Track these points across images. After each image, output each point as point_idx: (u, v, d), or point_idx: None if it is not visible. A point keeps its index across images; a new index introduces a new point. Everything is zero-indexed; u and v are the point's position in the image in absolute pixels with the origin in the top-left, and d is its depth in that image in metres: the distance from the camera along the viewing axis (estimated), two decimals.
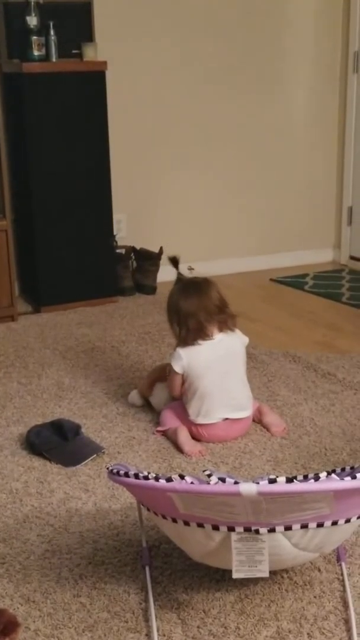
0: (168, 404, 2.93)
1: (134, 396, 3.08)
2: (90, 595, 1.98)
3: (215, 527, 1.76)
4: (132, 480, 1.77)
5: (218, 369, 2.74)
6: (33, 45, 3.97)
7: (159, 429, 2.83)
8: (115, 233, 4.43)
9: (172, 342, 3.70)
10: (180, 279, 2.85)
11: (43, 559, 2.13)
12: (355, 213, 5.11)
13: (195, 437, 2.78)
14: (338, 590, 1.99)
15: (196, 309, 2.71)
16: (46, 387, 3.26)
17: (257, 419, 2.90)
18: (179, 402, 2.87)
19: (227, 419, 2.76)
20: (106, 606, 1.94)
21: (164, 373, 2.95)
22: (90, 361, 3.53)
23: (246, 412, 2.80)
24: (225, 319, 2.77)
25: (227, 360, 2.76)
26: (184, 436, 2.73)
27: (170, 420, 2.82)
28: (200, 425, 2.77)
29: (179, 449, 2.71)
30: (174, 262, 2.87)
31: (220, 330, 2.76)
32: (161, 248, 4.57)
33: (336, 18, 4.95)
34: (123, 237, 4.62)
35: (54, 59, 4.04)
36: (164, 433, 2.82)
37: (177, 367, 2.75)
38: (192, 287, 2.77)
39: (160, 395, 2.97)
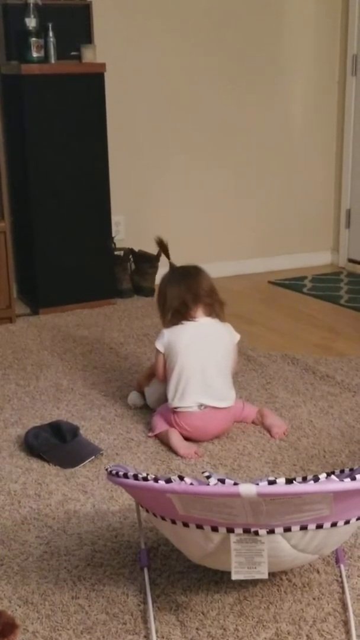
0: (159, 402, 2.94)
1: (134, 397, 3.07)
2: (89, 597, 1.97)
3: (215, 529, 1.75)
4: (131, 481, 1.77)
5: (197, 350, 2.73)
6: (32, 47, 3.97)
7: (151, 434, 2.83)
8: (113, 235, 4.43)
9: None
10: (172, 266, 2.90)
11: (41, 560, 2.12)
12: (353, 216, 5.12)
13: (180, 431, 2.75)
14: (337, 592, 1.98)
15: (183, 291, 2.75)
16: (44, 388, 3.26)
17: (259, 422, 2.90)
18: (164, 405, 2.85)
19: (203, 405, 2.73)
20: (104, 608, 1.93)
21: (144, 377, 3.01)
22: (88, 363, 3.53)
23: (225, 403, 2.76)
24: (212, 302, 2.78)
25: (208, 344, 2.75)
26: (175, 439, 2.72)
27: (160, 423, 2.81)
28: (177, 412, 2.74)
29: (173, 452, 2.71)
30: (163, 246, 2.91)
31: (207, 314, 2.78)
32: (159, 250, 4.56)
33: (335, 21, 4.96)
34: (121, 239, 4.62)
35: (52, 61, 4.04)
36: (157, 437, 2.81)
37: (159, 345, 2.78)
38: (181, 272, 2.83)
39: (154, 393, 2.98)
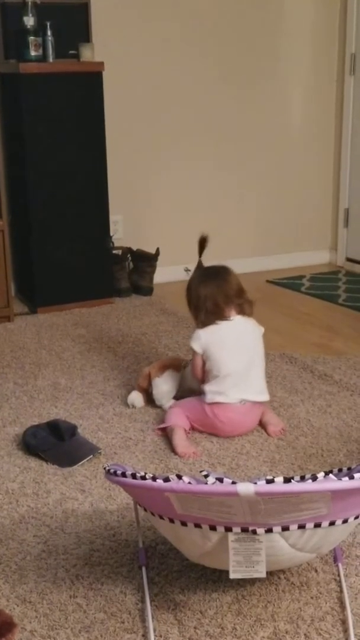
0: (171, 399, 2.97)
1: (134, 397, 3.07)
2: (87, 596, 1.97)
3: (213, 528, 1.75)
4: (129, 480, 1.77)
5: (235, 347, 2.80)
6: (30, 46, 3.97)
7: (160, 426, 2.83)
8: (111, 234, 4.43)
9: (169, 344, 3.72)
10: (200, 265, 2.93)
11: (39, 559, 2.12)
12: (351, 215, 5.12)
13: (212, 427, 2.79)
14: (335, 591, 1.98)
15: (215, 292, 2.81)
16: (42, 387, 3.26)
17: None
18: (188, 399, 2.88)
19: (244, 400, 2.77)
20: (103, 607, 1.93)
21: (177, 362, 3.04)
22: (86, 362, 3.53)
23: (263, 396, 2.83)
24: (243, 303, 2.84)
25: (244, 341, 2.82)
26: (178, 437, 2.72)
27: (174, 417, 2.82)
28: (217, 405, 2.77)
29: (171, 451, 2.70)
30: (202, 244, 2.94)
31: (238, 313, 2.83)
32: (157, 249, 4.57)
33: (333, 20, 4.96)
34: (119, 238, 4.62)
35: (51, 60, 4.04)
36: (164, 430, 2.81)
37: (196, 346, 2.81)
38: (211, 273, 2.88)
39: (164, 385, 3.00)
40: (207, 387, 2.80)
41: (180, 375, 3.05)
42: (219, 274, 2.86)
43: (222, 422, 2.78)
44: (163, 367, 3.06)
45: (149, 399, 3.07)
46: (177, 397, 3.01)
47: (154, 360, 3.41)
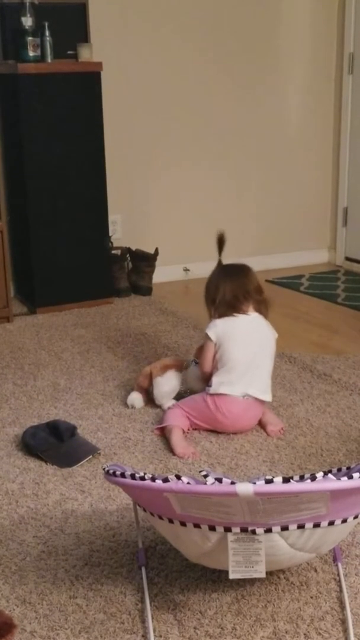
0: (171, 400, 2.98)
1: (134, 398, 3.06)
2: (87, 597, 1.97)
3: (212, 528, 1.75)
4: (128, 480, 1.77)
5: (248, 342, 2.83)
6: (28, 46, 3.97)
7: (159, 425, 2.83)
8: (110, 234, 4.43)
9: (168, 344, 3.72)
10: (221, 262, 2.99)
11: (39, 560, 2.12)
12: (350, 214, 5.12)
13: (213, 421, 2.79)
14: (334, 590, 1.98)
15: (236, 286, 2.86)
16: (42, 388, 3.26)
17: None
18: (189, 396, 2.89)
19: (247, 395, 2.78)
20: (102, 607, 1.93)
21: (179, 362, 3.06)
22: (85, 362, 3.53)
23: (266, 396, 2.84)
24: (260, 301, 2.89)
25: (258, 338, 2.85)
26: (176, 437, 2.72)
27: (172, 418, 2.82)
28: (220, 396, 2.78)
29: (170, 451, 2.70)
30: (220, 242, 3.00)
31: (256, 310, 2.87)
32: (156, 249, 4.57)
33: (332, 19, 4.95)
34: (118, 238, 4.62)
35: (49, 60, 4.04)
36: (163, 431, 2.81)
37: (212, 334, 2.84)
38: (233, 269, 2.94)
39: (165, 385, 3.00)
40: (214, 378, 2.82)
41: (181, 375, 3.05)
42: (242, 270, 2.93)
43: (223, 415, 2.78)
44: (165, 367, 3.07)
45: (149, 399, 3.07)
46: (177, 398, 3.01)
47: (154, 361, 3.41)
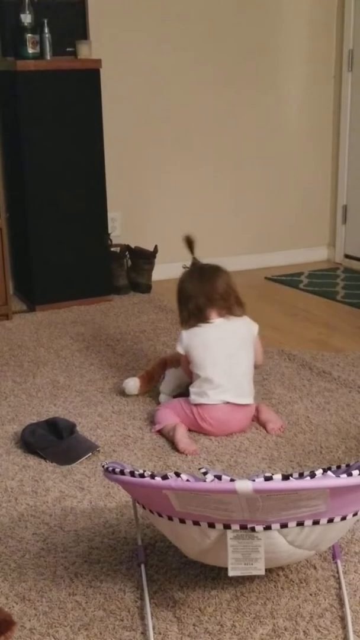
0: (170, 395, 3.00)
1: (131, 384, 3.08)
2: (86, 594, 1.97)
3: (211, 525, 1.75)
4: (127, 478, 1.77)
5: (219, 351, 2.79)
6: (27, 43, 3.96)
7: (156, 428, 2.83)
8: (109, 231, 4.42)
9: (167, 341, 3.72)
10: (194, 263, 2.94)
11: (38, 557, 2.13)
12: (349, 211, 5.12)
13: (199, 428, 2.78)
14: (334, 587, 1.99)
15: (197, 293, 2.81)
16: (41, 385, 3.26)
17: (254, 417, 2.89)
18: (177, 399, 2.89)
19: (228, 402, 2.77)
20: (102, 604, 1.93)
21: (175, 358, 3.05)
22: (85, 360, 3.52)
23: (245, 399, 2.80)
24: (227, 306, 2.83)
25: (226, 343, 2.80)
26: (181, 433, 2.72)
27: (166, 417, 2.81)
28: (201, 406, 2.77)
29: (174, 446, 2.71)
30: (189, 242, 2.95)
31: (220, 315, 2.82)
32: (156, 246, 4.57)
33: (331, 16, 4.95)
34: (118, 236, 4.62)
35: (48, 57, 4.03)
36: (160, 431, 2.81)
37: (180, 349, 2.85)
38: (198, 273, 2.87)
39: (175, 379, 3.03)
40: (191, 389, 2.82)
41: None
42: (206, 275, 2.84)
43: (208, 423, 2.77)
44: (162, 364, 3.10)
45: (145, 390, 3.09)
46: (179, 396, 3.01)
47: (153, 358, 3.42)
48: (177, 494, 1.70)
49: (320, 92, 5.03)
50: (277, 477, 1.63)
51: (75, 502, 2.38)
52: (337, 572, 2.04)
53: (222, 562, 1.81)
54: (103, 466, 1.89)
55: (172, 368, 3.06)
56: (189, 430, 2.82)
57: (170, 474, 1.70)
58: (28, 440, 2.70)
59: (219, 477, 1.68)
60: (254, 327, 2.87)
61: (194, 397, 2.80)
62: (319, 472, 1.71)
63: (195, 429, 2.82)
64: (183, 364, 2.90)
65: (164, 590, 1.98)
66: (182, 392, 3.02)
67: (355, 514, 1.82)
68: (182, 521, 1.79)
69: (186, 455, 2.65)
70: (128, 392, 3.08)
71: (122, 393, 3.11)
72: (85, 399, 3.12)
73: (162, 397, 3.03)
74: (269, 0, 4.77)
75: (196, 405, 2.78)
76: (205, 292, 2.80)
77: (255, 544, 1.75)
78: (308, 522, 1.75)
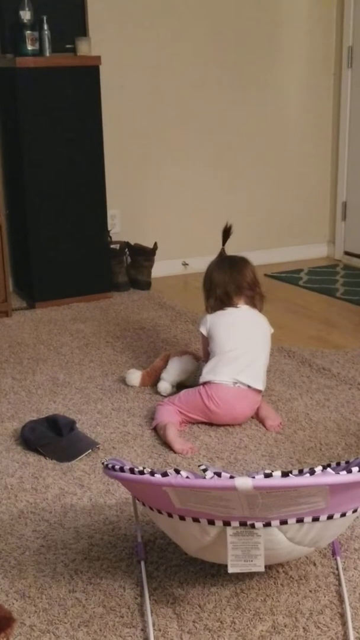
0: (170, 385, 3.05)
1: (132, 375, 3.13)
2: (86, 591, 1.98)
3: (211, 522, 1.75)
4: (127, 475, 1.77)
5: (237, 332, 2.86)
6: (26, 40, 3.96)
7: (153, 424, 2.82)
8: (109, 228, 4.42)
9: (167, 338, 3.72)
10: (221, 254, 3.01)
11: (38, 554, 2.13)
12: (349, 208, 5.11)
13: (203, 410, 2.80)
14: (333, 584, 1.99)
15: (227, 281, 2.90)
16: (41, 382, 3.26)
17: (254, 414, 2.90)
18: (182, 392, 2.90)
19: (237, 383, 2.79)
20: (102, 601, 1.94)
21: (198, 356, 3.11)
22: (84, 357, 3.52)
23: (258, 384, 2.83)
24: (254, 295, 2.93)
25: (248, 328, 2.89)
26: (172, 434, 2.71)
27: (165, 414, 2.81)
28: (211, 385, 2.80)
29: (168, 446, 2.70)
30: (226, 233, 3.01)
31: (247, 304, 2.91)
32: (155, 243, 4.57)
33: (330, 13, 4.94)
34: (117, 233, 4.62)
35: (47, 54, 4.03)
36: (155, 428, 2.81)
37: (202, 329, 2.92)
38: (227, 262, 2.96)
39: (177, 367, 3.07)
40: (205, 368, 2.86)
41: (197, 365, 3.07)
42: (236, 264, 2.94)
43: (215, 404, 2.78)
44: (184, 352, 3.15)
45: (147, 384, 3.12)
46: (181, 390, 3.01)
47: (153, 355, 3.43)
48: (177, 491, 1.70)
49: (320, 89, 5.03)
50: (277, 474, 1.63)
51: (75, 499, 2.38)
52: (337, 568, 2.04)
53: (222, 559, 1.81)
54: (103, 463, 1.89)
55: (176, 357, 3.09)
56: (191, 422, 2.83)
57: (170, 471, 1.70)
58: (28, 437, 2.70)
59: (218, 474, 1.68)
60: (271, 329, 2.95)
61: (205, 375, 2.83)
62: (318, 469, 1.71)
63: (200, 415, 2.81)
64: (203, 344, 2.97)
65: (163, 587, 1.98)
66: (183, 381, 3.04)
67: (354, 511, 1.82)
68: (181, 518, 1.79)
69: (184, 455, 2.65)
70: (128, 382, 3.14)
71: (123, 382, 3.17)
72: (85, 396, 3.12)
73: (162, 385, 3.05)
74: None
75: (206, 383, 2.81)
76: (234, 280, 2.89)
77: (255, 540, 1.75)
78: (308, 519, 1.75)
